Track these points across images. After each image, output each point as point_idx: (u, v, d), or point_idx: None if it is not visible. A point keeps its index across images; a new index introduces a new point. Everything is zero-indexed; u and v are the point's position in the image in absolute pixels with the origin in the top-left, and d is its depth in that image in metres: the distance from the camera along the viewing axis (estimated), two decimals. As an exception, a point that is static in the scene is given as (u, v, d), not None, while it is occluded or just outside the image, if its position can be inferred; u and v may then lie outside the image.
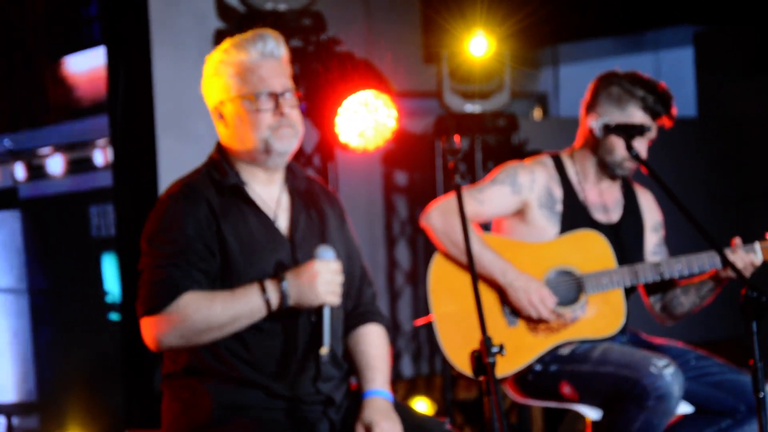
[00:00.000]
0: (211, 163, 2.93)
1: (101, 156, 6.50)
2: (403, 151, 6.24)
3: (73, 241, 6.92)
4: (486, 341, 2.71)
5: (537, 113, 8.68)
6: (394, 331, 6.41)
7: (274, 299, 2.73)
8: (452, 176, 2.93)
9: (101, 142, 6.43)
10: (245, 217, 2.84)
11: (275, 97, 2.83)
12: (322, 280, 2.73)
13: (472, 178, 5.74)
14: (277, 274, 2.76)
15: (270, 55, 2.86)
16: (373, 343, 3.00)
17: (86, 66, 6.67)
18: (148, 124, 5.14)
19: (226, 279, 2.79)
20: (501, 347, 2.71)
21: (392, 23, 6.47)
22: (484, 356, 2.70)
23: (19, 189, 7.27)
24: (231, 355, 2.80)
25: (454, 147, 2.95)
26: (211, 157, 2.95)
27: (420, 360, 6.52)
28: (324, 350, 2.74)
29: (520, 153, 5.86)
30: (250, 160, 2.88)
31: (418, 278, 6.49)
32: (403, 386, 6.26)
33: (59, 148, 6.79)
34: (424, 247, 6.42)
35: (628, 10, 7.17)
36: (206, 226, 2.80)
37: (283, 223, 2.91)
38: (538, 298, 3.63)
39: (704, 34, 8.07)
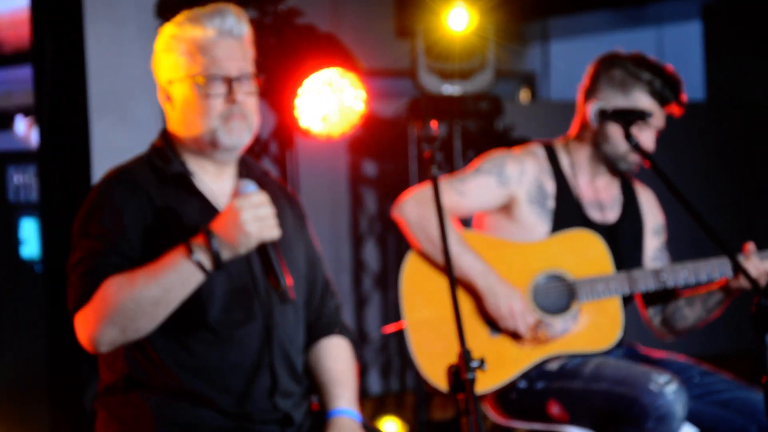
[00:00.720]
0: (154, 151, 2.93)
1: (23, 126, 6.42)
2: (372, 138, 6.25)
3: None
4: (465, 354, 2.71)
5: (524, 95, 8.71)
6: (360, 341, 6.42)
7: (206, 260, 2.65)
8: (428, 167, 2.94)
9: (25, 119, 6.35)
10: (191, 209, 2.84)
11: (229, 81, 2.83)
12: (249, 216, 2.65)
13: (450, 169, 5.74)
14: (201, 231, 2.68)
15: (228, 33, 2.85)
16: (338, 357, 3.02)
17: (7, 7, 6.57)
18: (80, 106, 5.11)
19: None
20: (482, 361, 2.71)
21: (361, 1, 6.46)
22: (462, 371, 2.70)
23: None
24: (175, 365, 2.79)
25: (431, 134, 2.95)
26: (153, 145, 2.95)
27: (390, 375, 6.53)
28: (287, 284, 2.67)
29: (505, 140, 5.88)
30: (198, 149, 2.89)
31: (388, 281, 6.50)
32: (370, 405, 6.27)
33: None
34: (395, 246, 6.43)
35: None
36: (142, 217, 2.79)
37: None
38: (521, 311, 3.64)
39: (714, 7, 8.11)
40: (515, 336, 3.68)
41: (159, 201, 2.82)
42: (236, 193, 2.69)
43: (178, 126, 2.89)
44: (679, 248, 4.08)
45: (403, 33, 5.83)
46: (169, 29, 2.88)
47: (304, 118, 5.14)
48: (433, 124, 2.98)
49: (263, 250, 2.70)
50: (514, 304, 3.64)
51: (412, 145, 5.92)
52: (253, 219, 2.65)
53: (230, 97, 2.82)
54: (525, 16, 7.28)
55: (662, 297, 3.84)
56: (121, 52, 5.22)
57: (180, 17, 2.88)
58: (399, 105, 6.20)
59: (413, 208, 3.72)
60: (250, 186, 2.70)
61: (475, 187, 3.76)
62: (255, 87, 2.87)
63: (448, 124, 5.91)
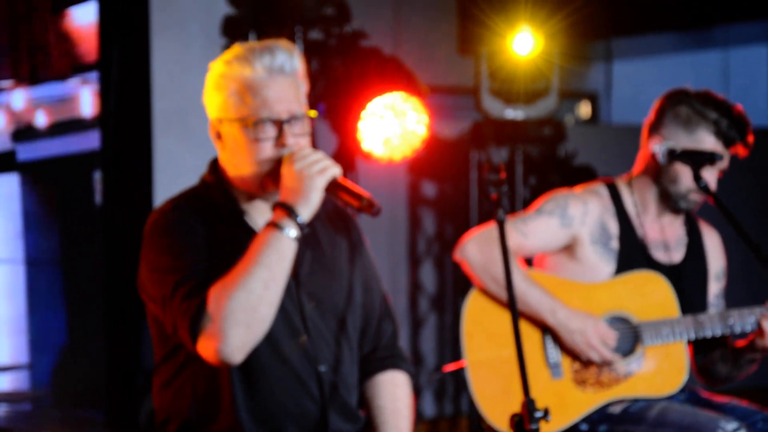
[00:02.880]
0: (204, 186, 2.90)
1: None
2: (433, 159, 6.21)
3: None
4: (529, 404, 2.68)
5: (584, 109, 8.63)
6: (415, 364, 6.39)
7: (291, 225, 2.68)
8: (495, 210, 2.89)
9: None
10: (242, 249, 2.75)
11: (279, 124, 2.76)
12: (303, 165, 2.70)
13: (512, 195, 5.71)
14: (274, 208, 2.72)
15: (279, 71, 2.77)
16: (393, 396, 2.98)
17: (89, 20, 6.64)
18: (144, 123, 5.14)
19: None
20: (546, 412, 2.69)
21: (424, 18, 6.44)
22: (526, 422, 2.67)
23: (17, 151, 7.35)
24: (228, 406, 2.77)
25: (497, 177, 2.91)
26: (203, 180, 2.91)
27: (444, 399, 6.50)
28: (366, 196, 2.73)
29: (567, 166, 5.83)
30: (247, 190, 2.85)
31: (444, 304, 6.47)
32: (423, 429, 6.25)
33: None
34: (452, 269, 6.40)
35: (694, 1, 7.13)
36: (203, 242, 2.77)
37: None
38: (599, 340, 3.61)
39: (780, 31, 8.01)
40: (589, 373, 3.65)
41: (213, 235, 2.79)
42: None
43: (228, 165, 2.85)
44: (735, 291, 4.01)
45: (465, 50, 5.81)
46: (218, 67, 2.80)
47: (367, 142, 5.14)
48: (500, 168, 2.93)
49: (332, 186, 2.74)
50: (591, 338, 3.61)
51: (473, 169, 5.89)
52: (308, 165, 2.70)
53: (280, 141, 2.76)
54: (589, 37, 7.23)
55: (714, 344, 3.79)
56: (187, 70, 5.25)
57: (228, 54, 2.81)
58: (461, 127, 6.19)
59: (475, 249, 3.70)
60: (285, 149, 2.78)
61: (537, 228, 3.73)
62: (308, 127, 2.81)
63: (510, 149, 5.88)
